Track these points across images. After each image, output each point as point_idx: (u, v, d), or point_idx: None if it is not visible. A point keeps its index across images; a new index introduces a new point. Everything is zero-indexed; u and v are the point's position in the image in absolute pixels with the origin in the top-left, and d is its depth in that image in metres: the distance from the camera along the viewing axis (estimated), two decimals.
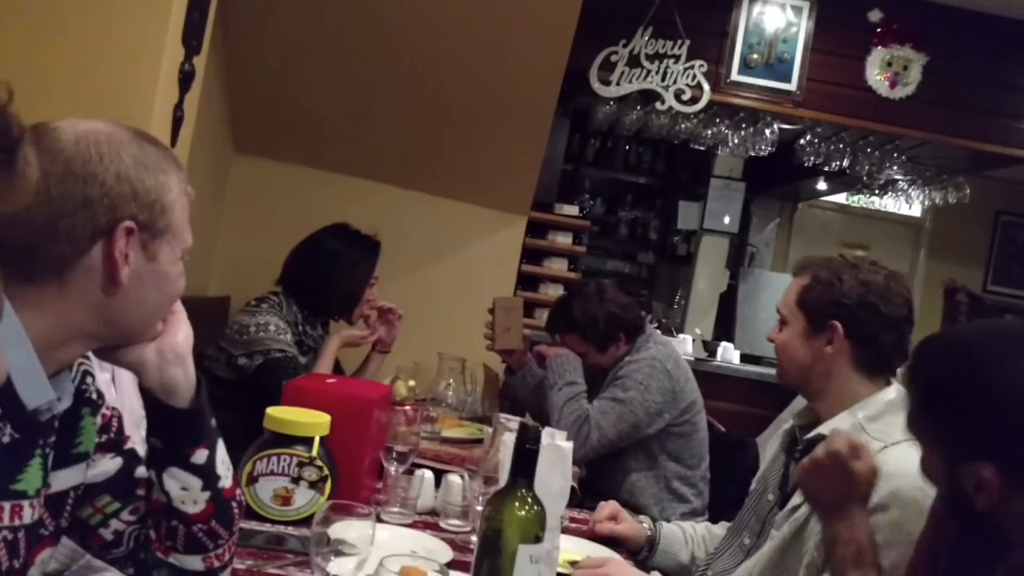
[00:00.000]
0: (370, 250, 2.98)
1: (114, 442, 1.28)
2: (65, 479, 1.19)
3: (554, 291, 4.34)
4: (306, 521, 1.62)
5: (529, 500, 1.18)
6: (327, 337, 2.98)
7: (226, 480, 1.28)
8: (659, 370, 2.79)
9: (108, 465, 1.27)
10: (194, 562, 1.28)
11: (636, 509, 2.67)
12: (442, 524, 1.88)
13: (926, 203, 5.66)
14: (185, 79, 2.25)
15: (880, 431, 1.66)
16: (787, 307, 1.88)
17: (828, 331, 1.78)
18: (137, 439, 1.35)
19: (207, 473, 1.25)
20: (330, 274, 2.85)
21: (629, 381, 2.77)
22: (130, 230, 1.08)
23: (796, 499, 1.72)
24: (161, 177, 1.12)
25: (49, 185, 1.04)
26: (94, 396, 1.25)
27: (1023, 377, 1.06)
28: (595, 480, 2.99)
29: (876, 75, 4.29)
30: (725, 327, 6.40)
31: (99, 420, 1.25)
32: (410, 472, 1.94)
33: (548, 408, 2.86)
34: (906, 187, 5.40)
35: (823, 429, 1.76)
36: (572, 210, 4.41)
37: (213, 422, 1.27)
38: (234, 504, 1.30)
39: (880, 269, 1.82)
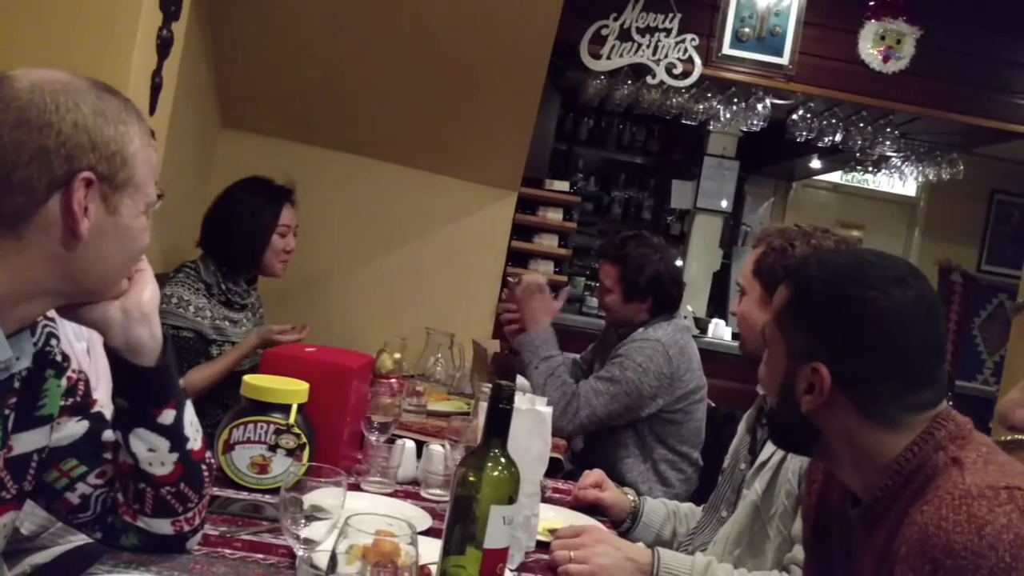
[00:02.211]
0: (273, 197, 2.84)
1: (80, 405, 1.26)
2: (28, 441, 1.17)
3: (544, 267, 4.32)
4: None
5: (503, 460, 1.16)
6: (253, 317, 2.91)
7: (195, 442, 1.26)
8: (660, 354, 2.76)
9: (74, 428, 1.25)
10: (163, 526, 1.26)
11: (621, 484, 2.66)
12: (423, 493, 1.85)
13: (919, 179, 5.62)
14: (163, 45, 2.21)
15: None
16: (745, 277, 1.95)
17: None
18: (107, 403, 1.32)
19: (175, 434, 1.22)
20: (230, 223, 2.76)
21: (628, 362, 2.75)
22: (89, 181, 1.05)
23: (764, 455, 1.74)
24: (121, 128, 1.09)
25: (2, 134, 1.01)
26: (59, 358, 1.22)
27: (892, 312, 1.14)
28: (584, 455, 2.98)
29: (869, 49, 4.25)
30: (719, 306, 6.39)
31: (64, 383, 1.23)
32: (391, 442, 1.92)
33: (533, 387, 2.83)
34: (899, 163, 5.36)
35: None
36: (563, 185, 4.38)
37: (181, 383, 1.25)
38: (204, 467, 1.28)
39: (832, 235, 1.87)
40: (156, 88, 2.22)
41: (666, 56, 4.18)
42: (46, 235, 1.05)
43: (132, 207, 1.11)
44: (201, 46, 3.23)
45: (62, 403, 1.22)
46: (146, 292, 1.19)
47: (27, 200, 1.03)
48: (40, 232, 1.05)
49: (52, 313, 1.19)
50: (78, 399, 1.25)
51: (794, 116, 4.72)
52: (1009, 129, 4.46)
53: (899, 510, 1.10)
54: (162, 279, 3.06)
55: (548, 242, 4.36)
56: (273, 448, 1.68)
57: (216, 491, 1.59)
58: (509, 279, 3.56)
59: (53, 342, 1.21)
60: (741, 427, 2.02)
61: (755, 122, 4.59)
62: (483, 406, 1.53)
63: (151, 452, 1.21)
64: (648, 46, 4.17)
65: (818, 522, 1.33)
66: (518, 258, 4.31)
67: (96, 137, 1.05)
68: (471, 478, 1.15)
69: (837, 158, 5.79)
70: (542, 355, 2.85)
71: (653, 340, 2.78)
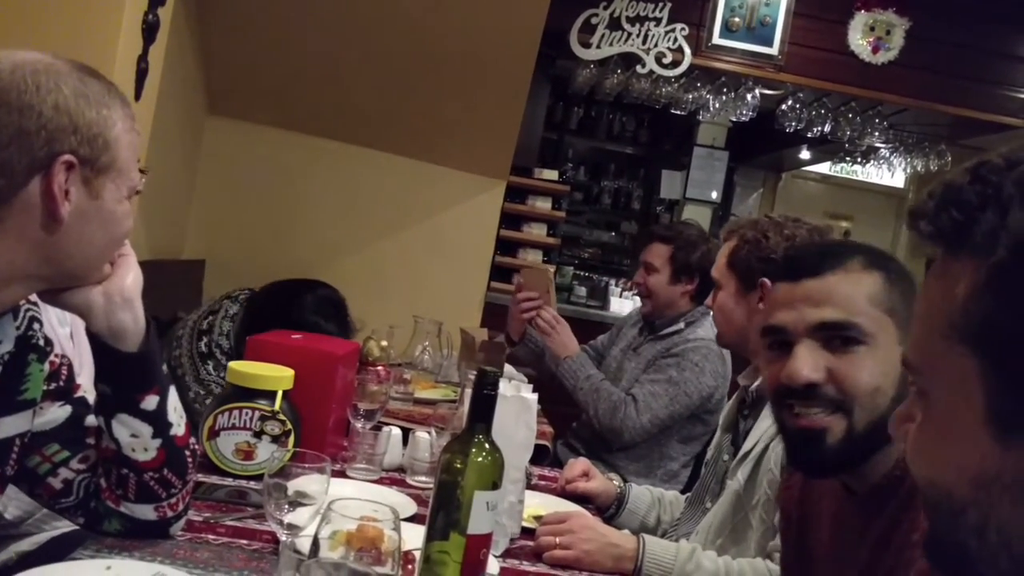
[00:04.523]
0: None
1: (63, 390, 1.25)
2: (10, 426, 1.16)
3: (533, 256, 4.32)
4: None
5: (487, 446, 1.15)
6: None
7: (179, 427, 1.25)
8: (715, 353, 2.76)
9: (57, 413, 1.24)
10: (146, 511, 1.25)
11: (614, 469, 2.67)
12: (409, 480, 1.85)
13: (908, 171, 5.64)
14: (149, 29, 2.20)
15: None
16: (719, 271, 1.96)
17: (758, 288, 1.83)
18: (90, 388, 1.32)
19: (158, 420, 1.22)
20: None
21: (685, 362, 2.75)
22: (70, 164, 1.04)
23: (747, 445, 1.74)
24: (104, 111, 1.08)
25: None
26: (41, 343, 1.21)
27: None
28: (595, 441, 2.95)
29: (859, 40, 4.26)
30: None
31: (47, 367, 1.22)
32: (377, 429, 1.92)
33: (580, 405, 2.86)
34: (888, 155, 5.38)
35: None
36: (552, 174, 4.39)
37: (164, 368, 1.25)
38: (187, 452, 1.27)
39: (804, 224, 1.87)
40: (142, 73, 2.21)
41: (656, 45, 4.18)
42: (26, 218, 1.05)
43: (115, 191, 1.11)
44: (188, 31, 3.21)
45: (45, 388, 1.22)
46: (129, 277, 1.18)
47: (7, 183, 1.02)
48: (20, 215, 1.04)
49: (35, 297, 1.19)
50: (61, 384, 1.25)
51: (783, 106, 4.72)
52: (997, 121, 4.47)
53: (905, 494, 1.09)
54: (182, 266, 2.99)
55: (537, 231, 4.37)
56: (258, 434, 1.67)
57: (201, 477, 1.58)
58: (516, 273, 3.54)
59: (36, 326, 1.21)
60: (724, 418, 2.02)
61: (744, 112, 4.59)
62: (469, 393, 1.53)
63: (134, 438, 1.21)
64: (638, 35, 4.17)
65: (801, 513, 1.32)
66: (507, 246, 4.32)
67: (78, 120, 1.05)
68: (455, 464, 1.15)
69: (826, 149, 5.80)
70: (582, 376, 2.88)
71: (706, 340, 2.77)
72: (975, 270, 0.62)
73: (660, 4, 4.17)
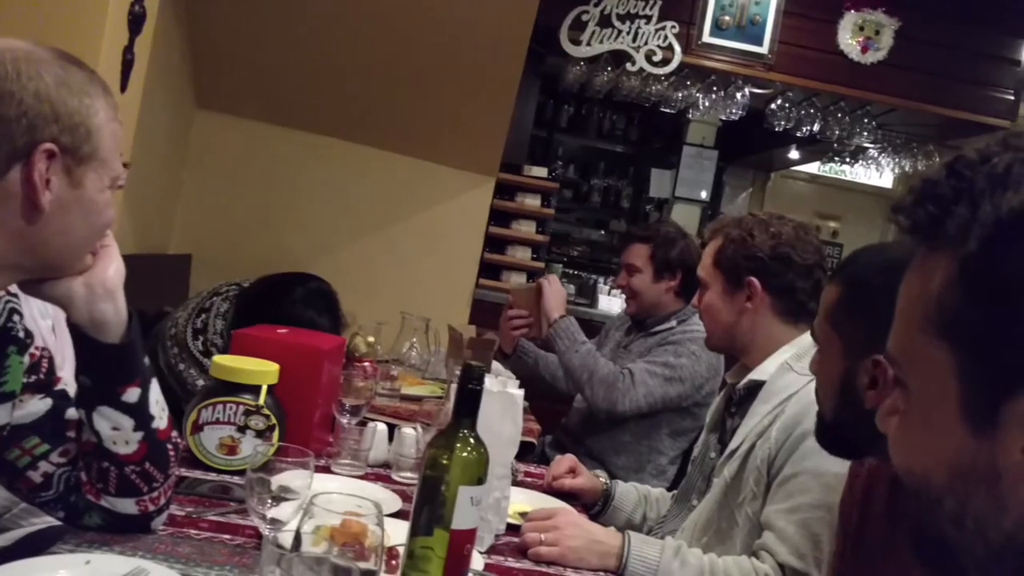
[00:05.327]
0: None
1: (43, 383, 1.24)
2: None
3: (522, 253, 4.31)
4: None
5: (472, 441, 1.15)
6: None
7: (161, 421, 1.24)
8: None
9: (37, 406, 1.23)
10: (127, 505, 1.24)
11: (606, 470, 2.66)
12: (395, 476, 1.84)
13: (896, 171, 5.65)
14: (135, 21, 2.18)
15: (806, 367, 1.70)
16: (705, 270, 1.94)
17: (746, 287, 1.85)
18: (72, 381, 1.30)
19: (139, 412, 1.21)
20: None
21: (682, 348, 2.75)
22: (51, 153, 1.03)
23: (733, 443, 1.74)
24: (86, 100, 1.07)
25: None
26: (21, 335, 1.20)
27: None
28: (586, 435, 2.94)
29: (848, 39, 4.26)
30: None
31: (27, 359, 1.21)
32: (363, 425, 1.91)
33: (573, 370, 2.82)
34: (876, 155, 5.39)
35: (754, 375, 1.82)
36: (541, 172, 4.38)
37: (146, 361, 1.23)
38: (169, 446, 1.26)
39: (789, 221, 1.87)
40: (127, 65, 2.19)
41: (646, 43, 4.18)
42: (6, 207, 1.03)
43: (96, 181, 1.09)
44: (176, 24, 3.19)
45: (25, 380, 1.20)
46: (111, 268, 1.17)
47: None
48: (0, 204, 1.03)
49: (15, 289, 1.17)
50: (41, 376, 1.23)
51: (773, 106, 4.72)
52: (984, 122, 4.47)
53: None
54: (169, 261, 2.94)
55: (526, 228, 4.36)
56: (242, 429, 1.66)
57: (184, 472, 1.57)
58: (505, 271, 3.52)
59: (16, 318, 1.19)
60: (711, 415, 2.02)
61: (734, 111, 4.59)
62: (454, 387, 1.52)
63: (115, 431, 1.20)
64: (628, 33, 4.16)
65: (861, 519, 1.32)
66: (496, 243, 4.30)
67: (59, 108, 1.03)
68: (440, 458, 1.14)
69: (815, 148, 5.81)
70: (579, 340, 2.86)
71: (702, 331, 2.77)
72: (949, 263, 0.63)
73: (650, 2, 4.16)
